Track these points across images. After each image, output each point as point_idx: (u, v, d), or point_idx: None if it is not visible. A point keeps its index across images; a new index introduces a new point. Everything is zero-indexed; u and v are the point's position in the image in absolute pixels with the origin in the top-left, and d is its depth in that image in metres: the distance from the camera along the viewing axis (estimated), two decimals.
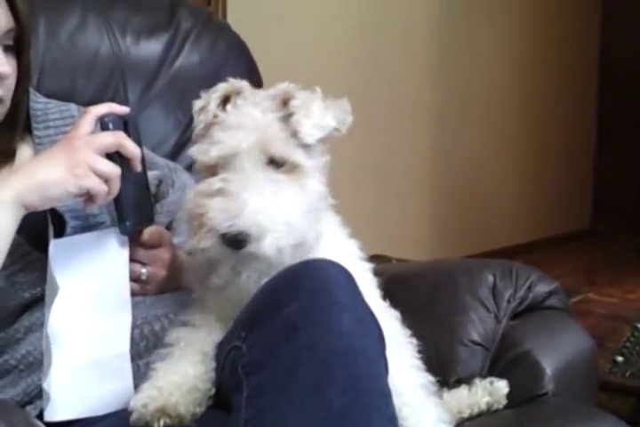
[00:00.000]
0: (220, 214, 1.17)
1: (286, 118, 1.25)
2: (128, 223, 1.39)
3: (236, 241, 1.17)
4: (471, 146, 4.53)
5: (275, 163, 1.23)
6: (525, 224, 4.93)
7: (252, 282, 1.27)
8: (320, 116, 1.25)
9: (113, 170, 1.30)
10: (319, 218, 1.25)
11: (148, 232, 1.44)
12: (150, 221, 1.46)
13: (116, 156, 1.33)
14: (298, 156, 1.24)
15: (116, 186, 1.31)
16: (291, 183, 1.22)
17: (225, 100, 1.29)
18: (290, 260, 1.21)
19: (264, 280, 1.25)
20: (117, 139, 1.33)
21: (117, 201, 1.36)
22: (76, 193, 1.28)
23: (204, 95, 1.31)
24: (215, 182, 1.21)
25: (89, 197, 1.30)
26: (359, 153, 3.69)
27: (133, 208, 1.39)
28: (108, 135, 1.33)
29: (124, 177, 1.33)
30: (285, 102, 1.26)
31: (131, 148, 1.34)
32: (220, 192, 1.20)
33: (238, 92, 1.29)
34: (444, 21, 4.27)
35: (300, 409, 1.05)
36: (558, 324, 1.69)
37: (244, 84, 1.31)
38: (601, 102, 5.38)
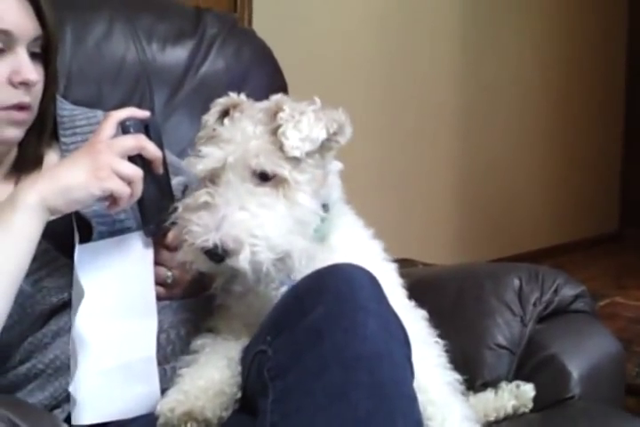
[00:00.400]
0: (198, 229, 1.20)
1: (276, 131, 1.24)
2: (152, 226, 1.40)
3: (214, 254, 1.19)
4: (497, 149, 4.51)
5: (261, 176, 1.23)
6: (552, 228, 4.90)
7: (271, 290, 1.29)
8: (309, 128, 1.23)
9: (135, 172, 1.31)
10: (308, 232, 1.25)
11: (173, 234, 1.45)
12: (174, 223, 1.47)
13: (138, 158, 1.34)
14: (282, 169, 1.23)
15: (139, 188, 1.33)
16: (275, 197, 1.23)
17: (224, 115, 1.31)
18: (275, 273, 1.23)
19: (284, 289, 1.27)
20: (139, 141, 1.34)
21: (141, 203, 1.38)
22: (100, 195, 1.29)
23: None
24: (201, 196, 1.24)
25: (113, 199, 1.31)
26: (385, 156, 3.69)
27: (157, 210, 1.40)
28: (129, 138, 1.35)
29: (146, 179, 1.34)
30: (275, 114, 1.26)
31: (152, 150, 1.35)
32: (204, 206, 1.22)
33: (236, 106, 1.30)
34: (469, 22, 4.27)
35: (326, 413, 1.06)
36: (585, 327, 1.69)
37: (242, 98, 1.32)
38: (629, 104, 5.35)
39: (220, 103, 1.32)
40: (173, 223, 1.46)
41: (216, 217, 1.19)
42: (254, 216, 1.20)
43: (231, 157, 1.23)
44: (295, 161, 1.24)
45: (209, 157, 1.25)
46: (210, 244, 1.18)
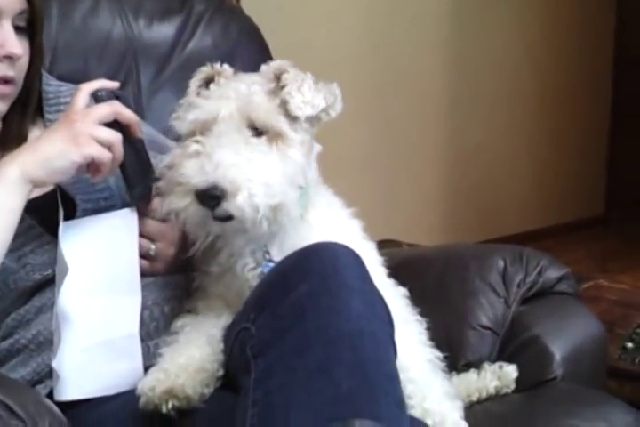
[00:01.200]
0: (194, 171, 1.18)
1: (275, 91, 1.27)
2: (137, 188, 1.40)
3: (210, 197, 1.17)
4: (484, 132, 4.51)
5: (256, 131, 1.24)
6: (538, 211, 4.92)
7: (247, 270, 1.29)
8: (311, 94, 1.26)
9: (114, 136, 1.32)
10: (296, 189, 1.25)
11: (155, 203, 1.45)
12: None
13: (115, 125, 1.35)
14: (281, 124, 1.25)
15: (120, 151, 1.33)
16: (270, 149, 1.23)
17: (207, 83, 1.32)
18: (267, 224, 1.21)
19: (258, 270, 1.28)
20: (113, 107, 1.35)
21: (123, 168, 1.38)
22: (81, 162, 1.29)
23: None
24: (191, 145, 1.22)
25: (95, 167, 1.32)
26: (372, 139, 3.69)
27: (140, 174, 1.40)
28: (104, 105, 1.36)
29: (125, 145, 1.35)
30: (277, 76, 1.28)
31: (128, 114, 1.36)
32: (195, 154, 1.21)
33: (219, 74, 1.32)
34: (456, 7, 4.25)
35: (308, 391, 1.06)
36: (568, 309, 1.70)
37: (226, 68, 1.33)
38: (615, 88, 5.35)
39: (203, 71, 1.33)
40: (157, 180, 1.48)
41: (212, 161, 1.18)
42: (250, 161, 1.20)
43: (225, 110, 1.23)
44: (292, 121, 1.26)
45: (201, 108, 1.25)
46: (206, 184, 1.16)
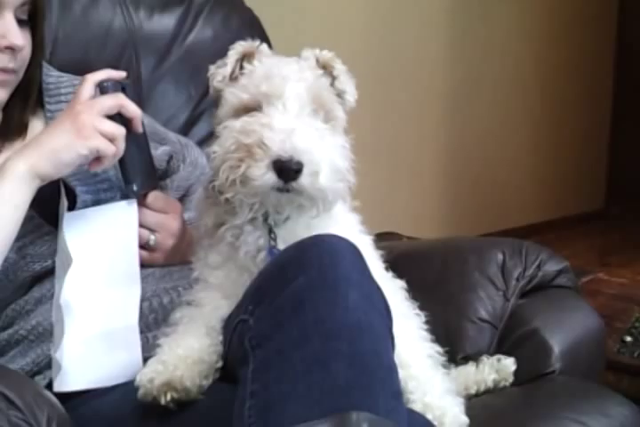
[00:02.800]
0: (277, 142, 1.16)
1: (322, 77, 1.29)
2: (134, 185, 1.40)
3: (290, 170, 1.16)
4: (485, 125, 4.51)
5: (316, 114, 1.25)
6: (539, 204, 4.91)
7: (249, 258, 1.29)
8: (353, 87, 1.31)
9: (118, 129, 1.33)
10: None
11: (153, 195, 1.46)
12: (155, 183, 1.48)
13: (117, 118, 1.35)
14: (340, 112, 1.28)
15: (122, 146, 1.34)
16: (332, 134, 1.24)
17: (242, 59, 1.30)
18: (322, 206, 1.23)
19: (261, 257, 1.27)
20: (117, 100, 1.35)
21: (122, 163, 1.38)
22: (87, 154, 1.30)
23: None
24: (261, 117, 1.21)
25: (96, 158, 1.32)
26: (372, 131, 3.68)
27: (139, 170, 1.41)
28: (108, 98, 1.36)
29: (127, 139, 1.35)
30: (324, 65, 1.29)
31: (132, 108, 1.37)
32: (267, 126, 1.19)
33: (260, 52, 1.30)
34: None
35: (306, 383, 1.05)
36: (567, 303, 1.70)
37: (265, 47, 1.32)
38: (617, 82, 5.34)
39: (242, 45, 1.31)
40: (156, 184, 1.47)
41: (292, 135, 1.17)
42: (325, 142, 1.21)
43: (294, 88, 1.22)
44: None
45: (270, 79, 1.23)
46: (289, 157, 1.15)
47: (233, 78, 1.29)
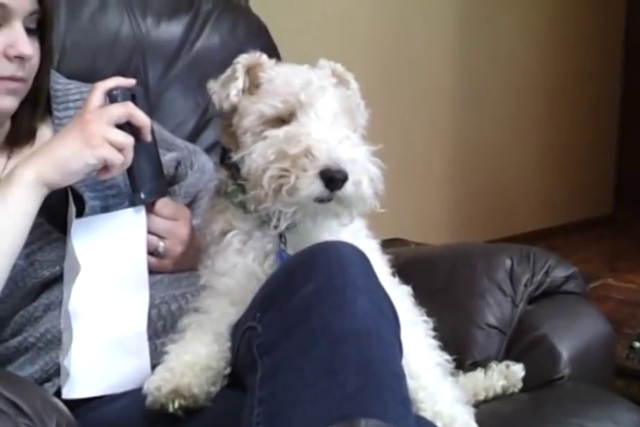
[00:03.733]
0: (324, 150, 1.17)
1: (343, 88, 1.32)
2: (142, 193, 1.40)
3: (337, 180, 1.17)
4: (493, 131, 4.51)
5: (347, 123, 1.27)
6: (547, 210, 4.91)
7: (257, 264, 1.29)
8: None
9: (126, 139, 1.33)
10: None
11: (162, 202, 1.46)
12: (163, 191, 1.47)
13: (126, 127, 1.35)
14: (362, 120, 1.33)
15: (130, 155, 1.34)
16: (363, 143, 1.25)
17: (247, 71, 1.31)
18: (356, 214, 1.24)
19: (269, 263, 1.28)
20: (127, 109, 1.35)
21: (130, 172, 1.38)
22: (95, 164, 1.30)
23: (218, 77, 1.32)
24: (301, 126, 1.22)
25: (104, 167, 1.32)
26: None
27: (146, 178, 1.41)
28: (117, 106, 1.36)
29: (136, 148, 1.35)
30: (338, 77, 1.32)
31: (141, 117, 1.37)
32: (310, 136, 1.20)
33: (258, 65, 1.31)
34: (466, 4, 4.24)
35: (314, 390, 1.05)
36: (575, 308, 1.70)
37: (265, 58, 1.33)
38: (624, 87, 5.34)
39: (245, 58, 1.32)
40: (164, 192, 1.47)
41: (339, 145, 1.19)
42: (364, 152, 1.22)
43: (327, 97, 1.25)
44: None
45: (307, 87, 1.25)
46: (338, 167, 1.17)
47: (246, 90, 1.29)
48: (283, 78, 1.27)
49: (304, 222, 1.26)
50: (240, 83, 1.29)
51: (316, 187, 1.17)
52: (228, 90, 1.29)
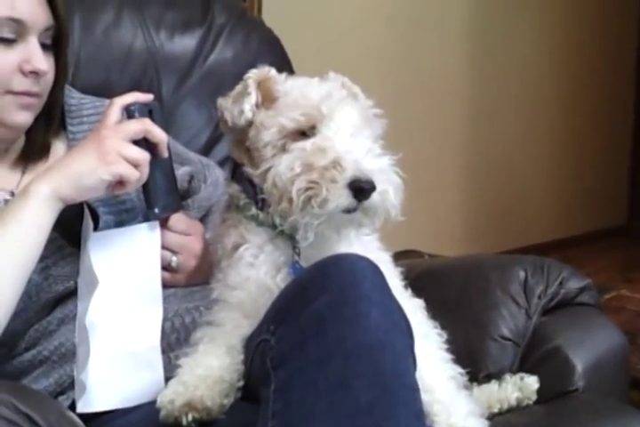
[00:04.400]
0: (352, 161, 1.18)
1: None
2: (156, 209, 1.41)
3: (365, 191, 1.18)
4: (506, 141, 4.51)
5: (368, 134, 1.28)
6: (560, 220, 4.90)
7: (269, 278, 1.29)
8: None
9: (142, 155, 1.33)
10: None
11: (176, 217, 1.46)
12: (177, 207, 1.48)
13: (142, 143, 1.36)
14: (380, 131, 1.33)
15: (146, 171, 1.34)
16: (384, 153, 1.26)
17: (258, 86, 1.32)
18: (379, 224, 1.25)
19: (281, 276, 1.28)
20: (144, 125, 1.36)
21: (145, 187, 1.39)
22: (110, 180, 1.30)
23: (228, 94, 1.33)
24: (325, 139, 1.23)
25: (119, 183, 1.32)
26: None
27: (161, 194, 1.41)
28: (134, 123, 1.36)
29: (151, 163, 1.35)
30: (347, 90, 1.33)
31: (157, 133, 1.37)
32: (336, 148, 1.21)
33: (268, 77, 1.32)
34: (480, 14, 4.25)
35: (328, 403, 1.05)
36: (589, 320, 1.69)
37: (273, 72, 1.33)
38: (639, 97, 5.33)
39: (255, 73, 1.33)
40: (178, 207, 1.47)
41: (366, 156, 1.20)
42: (379, 157, 1.23)
43: (347, 110, 1.26)
44: None
45: (327, 101, 1.26)
46: (366, 177, 1.18)
47: (260, 105, 1.30)
48: (299, 91, 1.28)
49: (328, 233, 1.26)
50: (253, 97, 1.30)
51: (346, 198, 1.18)
52: (241, 105, 1.30)
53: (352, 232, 1.28)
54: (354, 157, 1.19)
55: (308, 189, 1.19)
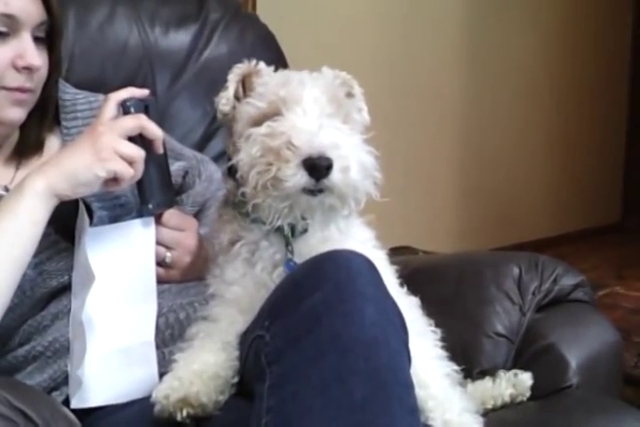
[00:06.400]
0: (305, 141, 1.17)
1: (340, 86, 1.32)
2: (150, 205, 1.41)
3: (320, 167, 1.16)
4: (500, 138, 4.51)
5: (336, 116, 1.26)
6: (555, 217, 4.90)
7: (266, 273, 1.29)
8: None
9: (137, 152, 1.33)
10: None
11: (169, 213, 1.46)
12: (172, 203, 1.48)
13: (138, 139, 1.35)
14: (358, 116, 1.32)
15: (141, 168, 1.34)
16: (353, 133, 1.25)
17: (243, 80, 1.32)
18: (353, 205, 1.23)
19: (277, 272, 1.28)
20: (139, 121, 1.35)
21: (140, 183, 1.39)
22: (105, 176, 1.30)
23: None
24: (284, 120, 1.21)
25: (113, 179, 1.32)
26: (387, 145, 3.68)
27: (156, 190, 1.41)
28: (129, 119, 1.36)
29: (146, 160, 1.35)
30: (340, 82, 1.32)
31: (153, 129, 1.37)
32: (292, 128, 1.19)
33: (254, 73, 1.32)
34: (473, 9, 4.25)
35: (322, 399, 1.05)
36: (584, 317, 1.69)
37: (263, 66, 1.33)
38: (633, 94, 5.33)
39: (240, 67, 1.33)
40: (172, 203, 1.47)
41: (321, 134, 1.18)
42: (350, 140, 1.22)
43: (313, 92, 1.24)
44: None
45: (288, 85, 1.25)
46: (319, 154, 1.16)
47: (238, 99, 1.30)
48: (276, 80, 1.28)
49: (312, 224, 1.27)
50: (230, 92, 1.30)
51: (301, 177, 1.16)
52: (219, 99, 1.31)
53: (341, 221, 1.27)
54: (308, 135, 1.17)
55: (266, 171, 1.18)
